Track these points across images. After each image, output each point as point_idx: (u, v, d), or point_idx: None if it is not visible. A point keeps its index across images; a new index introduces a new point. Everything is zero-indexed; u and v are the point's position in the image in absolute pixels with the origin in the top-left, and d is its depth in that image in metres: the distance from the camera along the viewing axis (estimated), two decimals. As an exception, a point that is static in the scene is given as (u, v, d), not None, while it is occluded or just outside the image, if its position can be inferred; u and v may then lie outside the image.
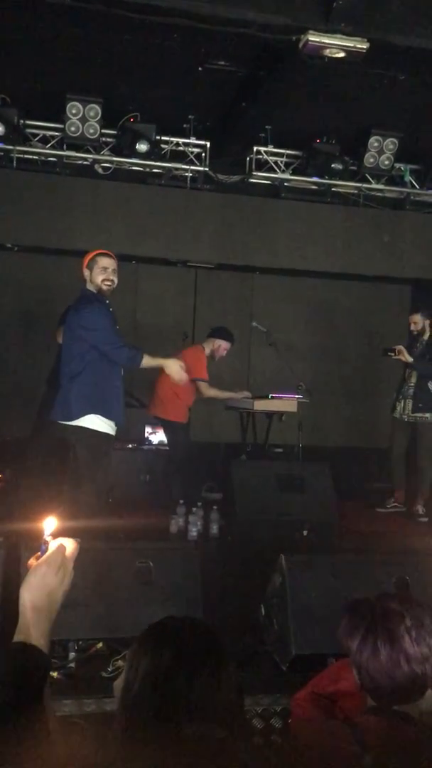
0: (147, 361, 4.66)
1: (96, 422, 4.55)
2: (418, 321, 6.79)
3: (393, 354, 6.59)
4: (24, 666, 1.27)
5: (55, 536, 1.43)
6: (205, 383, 6.28)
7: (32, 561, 1.41)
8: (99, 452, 4.63)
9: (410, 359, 6.56)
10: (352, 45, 4.73)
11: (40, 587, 1.35)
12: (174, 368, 4.80)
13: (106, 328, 4.53)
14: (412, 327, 6.84)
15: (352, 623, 1.80)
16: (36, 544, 1.45)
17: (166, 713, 1.15)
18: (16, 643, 1.30)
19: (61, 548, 1.42)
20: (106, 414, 4.57)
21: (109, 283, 4.66)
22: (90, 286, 4.68)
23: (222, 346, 6.47)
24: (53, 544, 1.42)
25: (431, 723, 1.71)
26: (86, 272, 4.68)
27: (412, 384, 6.69)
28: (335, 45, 4.69)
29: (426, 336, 6.75)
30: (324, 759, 1.60)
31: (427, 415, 6.62)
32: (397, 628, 1.74)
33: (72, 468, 4.77)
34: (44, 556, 1.39)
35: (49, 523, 1.43)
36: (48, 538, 1.42)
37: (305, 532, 5.43)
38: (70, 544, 1.44)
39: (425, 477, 6.70)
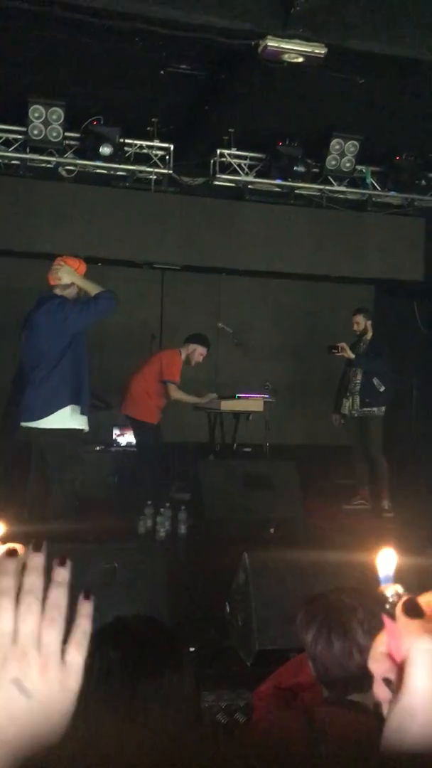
0: (94, 288, 4.76)
1: (67, 418, 4.56)
2: (360, 321, 7.13)
3: (336, 351, 6.94)
4: None
5: (3, 541, 1.40)
6: (174, 385, 6.32)
7: None
8: (68, 452, 4.65)
9: (352, 355, 6.91)
10: (310, 50, 4.80)
11: None
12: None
13: (79, 304, 4.62)
14: (355, 327, 7.15)
15: (307, 617, 1.86)
16: None
17: (112, 710, 1.19)
18: None
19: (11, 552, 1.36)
20: (82, 406, 4.60)
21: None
22: (69, 295, 4.70)
23: (198, 350, 6.53)
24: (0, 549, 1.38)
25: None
26: (77, 287, 4.71)
27: (358, 381, 7.02)
28: (294, 50, 4.77)
29: (368, 335, 7.10)
30: (279, 747, 1.66)
31: (374, 409, 6.94)
32: (350, 620, 1.80)
33: (39, 470, 4.78)
34: None
35: None
36: None
37: (272, 530, 5.51)
38: (18, 549, 1.41)
39: (380, 468, 6.94)
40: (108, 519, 5.98)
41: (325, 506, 7.03)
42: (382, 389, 6.90)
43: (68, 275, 4.71)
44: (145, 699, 1.22)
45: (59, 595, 0.75)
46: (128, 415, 6.41)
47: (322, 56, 4.84)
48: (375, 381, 6.90)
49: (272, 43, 4.68)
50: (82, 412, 4.62)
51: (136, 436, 6.66)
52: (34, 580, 0.74)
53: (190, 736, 1.27)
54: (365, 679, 1.79)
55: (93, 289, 4.74)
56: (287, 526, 5.61)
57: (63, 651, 0.73)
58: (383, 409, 6.95)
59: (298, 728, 1.68)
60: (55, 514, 4.64)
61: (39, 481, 4.84)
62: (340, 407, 7.15)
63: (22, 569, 0.75)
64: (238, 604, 3.21)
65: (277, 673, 2.40)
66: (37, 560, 0.76)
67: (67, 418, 4.57)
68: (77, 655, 0.74)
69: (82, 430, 4.68)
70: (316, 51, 4.80)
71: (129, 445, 7.43)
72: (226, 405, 6.60)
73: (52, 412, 4.55)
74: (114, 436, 7.56)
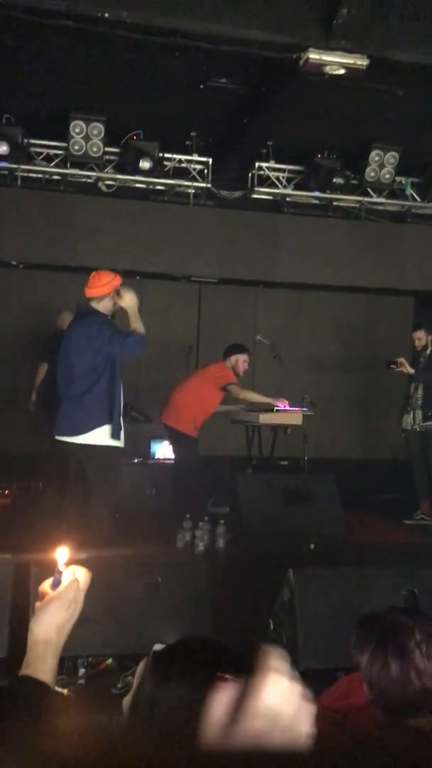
0: (138, 325, 4.68)
1: (105, 436, 4.57)
2: (422, 337, 6.99)
3: (395, 366, 6.80)
4: (30, 701, 1.27)
5: (68, 565, 1.42)
6: (236, 386, 6.27)
7: (44, 588, 1.40)
8: (108, 466, 4.66)
9: (412, 371, 6.78)
10: (352, 62, 4.78)
11: (51, 623, 1.35)
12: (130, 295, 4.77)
13: (113, 331, 4.60)
14: (417, 343, 7.02)
15: (361, 638, 1.81)
16: (48, 569, 1.44)
17: (171, 738, 1.16)
18: (24, 677, 1.30)
19: (74, 583, 1.41)
20: (117, 425, 4.61)
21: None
22: (106, 308, 4.71)
23: (241, 359, 6.49)
24: (67, 574, 1.41)
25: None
26: (113, 297, 4.71)
27: (419, 396, 6.89)
28: (335, 62, 4.75)
29: (429, 350, 6.95)
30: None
31: None
32: (407, 642, 1.75)
33: (80, 484, 4.79)
34: (57, 590, 1.38)
35: (62, 553, 1.42)
36: (62, 568, 1.41)
37: (312, 545, 5.43)
38: (82, 575, 1.43)
39: None
40: (147, 532, 5.97)
41: (366, 520, 6.93)
42: None
43: (127, 300, 4.71)
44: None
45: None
46: (167, 424, 6.36)
47: (363, 68, 4.81)
48: None
49: (314, 55, 4.67)
50: (115, 433, 4.61)
51: (174, 446, 6.63)
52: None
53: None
54: (424, 703, 1.74)
55: (136, 323, 4.70)
56: (327, 541, 5.54)
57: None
58: None
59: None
60: (95, 526, 4.64)
61: (78, 492, 4.84)
62: (402, 422, 7.06)
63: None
64: (282, 621, 3.16)
65: (326, 694, 2.35)
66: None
67: (105, 436, 4.58)
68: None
69: (118, 447, 4.68)
70: (358, 63, 4.78)
71: (167, 457, 7.42)
72: (265, 418, 6.54)
73: (89, 430, 4.56)
74: (152, 449, 7.57)
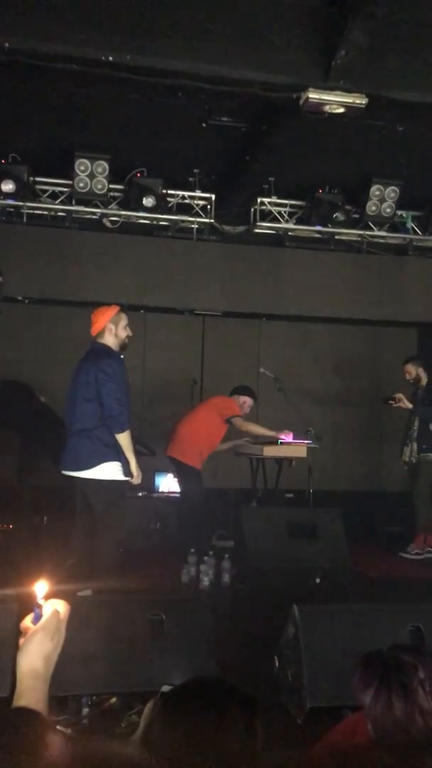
0: (124, 440, 4.64)
1: (111, 471, 4.59)
2: (411, 370, 7.14)
3: (393, 402, 6.97)
4: (26, 731, 1.28)
5: (47, 598, 1.44)
6: (240, 419, 6.28)
7: (26, 624, 1.43)
8: (113, 500, 4.66)
9: (410, 406, 6.91)
10: (351, 101, 4.87)
11: (37, 654, 1.37)
12: (135, 468, 4.73)
13: (120, 383, 4.62)
14: (407, 377, 7.15)
15: (364, 677, 1.80)
16: (29, 606, 1.46)
17: None
18: (17, 709, 1.31)
19: (56, 613, 1.43)
20: (122, 461, 4.63)
21: (130, 337, 4.83)
22: (109, 341, 4.76)
23: (248, 401, 6.54)
24: (47, 608, 1.43)
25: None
26: (110, 326, 4.77)
27: (416, 428, 7.00)
28: (335, 101, 4.84)
29: (423, 381, 7.07)
30: None
31: (430, 455, 6.90)
32: (411, 681, 1.73)
33: (85, 518, 4.79)
34: (40, 622, 1.41)
35: (41, 587, 1.44)
36: (41, 602, 1.43)
37: (318, 580, 5.39)
38: (62, 607, 1.46)
39: (423, 512, 6.87)
40: (151, 567, 5.93)
41: (371, 554, 6.88)
42: None
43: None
44: (232, 759, 1.20)
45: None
46: (173, 457, 6.37)
47: (363, 106, 4.90)
48: (431, 427, 6.88)
49: (314, 95, 4.76)
50: (121, 469, 4.63)
51: (179, 479, 6.62)
52: None
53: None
54: (429, 743, 1.72)
55: (126, 447, 4.67)
56: (334, 575, 5.49)
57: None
58: None
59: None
60: (102, 560, 4.63)
61: (83, 527, 4.84)
62: (402, 454, 7.15)
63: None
64: (287, 658, 3.13)
65: (332, 733, 2.32)
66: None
67: (111, 470, 4.60)
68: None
69: (124, 481, 4.70)
70: (357, 102, 4.87)
71: (171, 491, 7.40)
72: (269, 451, 6.54)
73: (95, 465, 4.58)
74: (156, 482, 7.55)
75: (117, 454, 4.61)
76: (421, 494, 6.92)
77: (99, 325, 4.79)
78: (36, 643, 1.38)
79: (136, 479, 4.75)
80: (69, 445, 4.75)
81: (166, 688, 1.52)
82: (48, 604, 1.44)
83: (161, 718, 1.27)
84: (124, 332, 4.82)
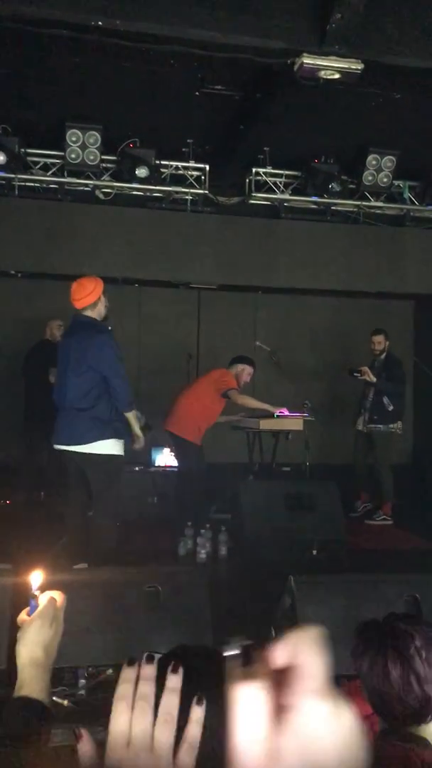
0: (131, 415, 4.70)
1: (109, 446, 4.56)
2: (381, 341, 7.40)
3: (359, 375, 7.22)
4: (28, 721, 1.27)
5: (42, 589, 1.42)
6: (236, 391, 6.26)
7: (23, 616, 1.41)
8: (112, 475, 4.64)
9: (374, 379, 7.19)
10: (346, 66, 4.77)
11: (36, 642, 1.36)
12: (140, 439, 4.82)
13: (118, 359, 4.59)
14: (377, 347, 7.38)
15: (361, 644, 1.79)
16: (25, 596, 1.44)
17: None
18: (19, 699, 1.30)
19: (52, 601, 1.42)
20: (120, 436, 4.61)
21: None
22: (96, 314, 4.70)
23: (246, 370, 6.50)
24: (43, 598, 1.42)
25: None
26: (102, 300, 4.70)
27: (370, 399, 7.35)
28: (330, 67, 4.74)
29: (383, 356, 7.38)
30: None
31: (380, 426, 7.27)
32: (407, 649, 1.72)
33: (78, 493, 4.77)
34: (37, 611, 1.39)
35: (36, 577, 1.42)
36: (36, 592, 1.41)
37: (314, 552, 5.41)
38: (58, 596, 1.45)
39: (384, 480, 7.24)
40: (148, 540, 5.95)
41: (368, 526, 6.91)
42: (390, 408, 7.24)
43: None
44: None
45: (172, 700, 0.81)
46: (171, 432, 6.35)
47: (359, 72, 4.80)
48: (385, 400, 7.23)
49: (308, 60, 4.66)
50: (119, 444, 4.64)
51: (176, 454, 6.60)
52: (147, 688, 0.81)
53: None
54: (425, 711, 1.71)
55: (133, 420, 4.74)
56: (330, 547, 5.51)
57: (174, 753, 0.78)
58: (393, 426, 7.29)
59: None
60: (98, 534, 4.63)
61: (77, 502, 4.82)
62: (355, 423, 7.52)
63: (137, 678, 0.83)
64: (283, 629, 3.13)
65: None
66: (150, 671, 0.83)
67: (110, 447, 4.57)
68: (188, 759, 0.78)
69: (121, 456, 4.68)
70: (353, 67, 4.77)
71: (168, 465, 7.40)
72: (266, 424, 6.52)
73: (94, 440, 4.55)
74: (153, 456, 7.55)
75: (114, 431, 4.59)
76: (383, 464, 7.28)
77: (89, 299, 4.67)
78: (34, 632, 1.37)
79: (139, 444, 4.80)
80: (63, 419, 4.70)
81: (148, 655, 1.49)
82: (44, 595, 1.43)
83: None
84: (103, 306, 4.77)
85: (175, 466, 6.83)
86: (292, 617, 3.06)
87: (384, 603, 3.01)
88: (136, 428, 4.74)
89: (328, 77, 4.87)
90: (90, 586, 3.10)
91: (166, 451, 7.44)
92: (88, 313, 4.69)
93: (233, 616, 3.88)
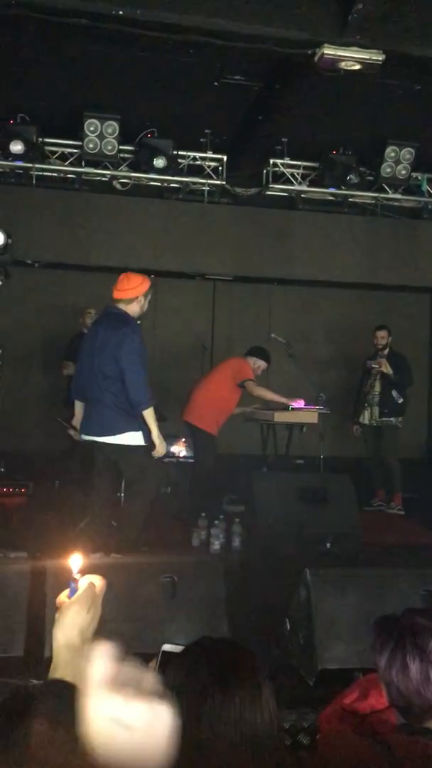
0: (148, 414, 4.52)
1: (139, 436, 4.53)
2: (384, 336, 7.36)
3: (378, 367, 7.22)
4: (65, 703, 1.28)
5: (83, 573, 1.44)
6: (252, 383, 6.24)
7: (62, 599, 1.42)
8: (143, 465, 4.62)
9: (391, 371, 7.18)
10: (367, 57, 4.74)
11: (73, 626, 1.37)
12: (159, 443, 4.62)
13: (138, 355, 4.52)
14: (380, 341, 7.34)
15: (380, 640, 1.79)
16: (63, 577, 1.45)
17: (198, 730, 1.15)
18: (54, 681, 1.32)
19: (92, 587, 1.43)
20: (145, 430, 4.57)
21: None
22: (133, 310, 4.65)
23: (262, 365, 6.48)
24: (82, 582, 1.43)
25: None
26: (141, 299, 4.65)
27: (377, 393, 7.33)
28: (351, 57, 4.71)
29: (386, 351, 7.36)
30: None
31: (392, 419, 7.28)
32: (426, 644, 1.73)
33: (104, 481, 4.76)
34: (76, 596, 1.40)
35: (76, 560, 1.44)
36: (77, 576, 1.43)
37: (328, 545, 5.40)
38: (98, 581, 1.46)
39: (394, 474, 7.26)
40: (162, 530, 5.96)
41: (383, 519, 6.90)
42: (400, 401, 7.26)
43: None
44: (235, 717, 1.19)
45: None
46: (189, 422, 6.33)
47: (379, 63, 4.77)
48: (394, 393, 7.23)
49: (329, 51, 4.63)
50: (146, 438, 4.56)
51: (195, 445, 6.59)
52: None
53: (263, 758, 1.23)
54: (443, 705, 1.71)
55: (150, 421, 4.55)
56: (344, 540, 5.50)
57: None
58: (401, 419, 7.31)
59: (374, 756, 1.61)
60: (132, 523, 4.63)
61: (102, 490, 4.80)
62: (359, 417, 7.47)
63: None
64: (299, 621, 3.14)
65: (344, 695, 2.32)
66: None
67: (139, 437, 4.53)
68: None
69: (149, 446, 4.62)
70: (374, 58, 4.74)
71: (183, 456, 7.41)
72: (280, 416, 6.50)
73: (126, 431, 4.51)
74: (168, 447, 7.57)
75: (141, 424, 4.54)
76: (393, 456, 7.29)
77: (131, 293, 4.59)
78: (71, 616, 1.38)
79: (160, 450, 4.66)
80: (92, 409, 4.65)
81: (167, 647, 1.52)
82: (83, 579, 1.44)
83: (165, 680, 1.27)
84: (147, 306, 4.75)
85: (189, 457, 6.84)
86: (307, 609, 3.07)
87: (400, 598, 3.02)
88: (155, 431, 4.54)
89: (349, 68, 4.84)
90: (106, 575, 3.11)
91: (181, 441, 7.44)
92: (122, 306, 4.64)
93: (248, 608, 3.89)
